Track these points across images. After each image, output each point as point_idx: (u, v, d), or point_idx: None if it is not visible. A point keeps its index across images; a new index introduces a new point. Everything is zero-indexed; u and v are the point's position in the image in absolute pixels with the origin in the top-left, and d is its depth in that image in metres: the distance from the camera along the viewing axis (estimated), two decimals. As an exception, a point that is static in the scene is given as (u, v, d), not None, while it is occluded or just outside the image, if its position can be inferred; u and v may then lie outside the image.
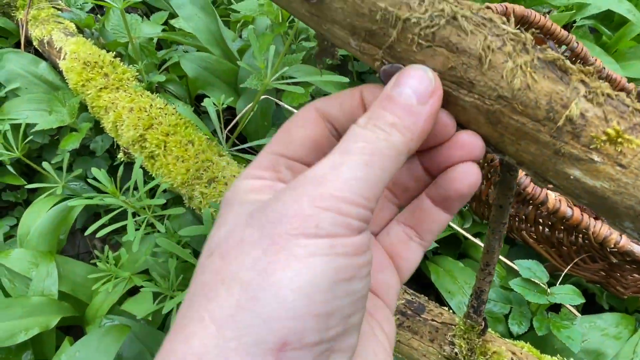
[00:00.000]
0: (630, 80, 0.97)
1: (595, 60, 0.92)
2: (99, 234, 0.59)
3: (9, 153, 0.76)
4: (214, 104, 0.72)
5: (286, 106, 0.79)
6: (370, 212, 0.23)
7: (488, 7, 0.81)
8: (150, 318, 0.61)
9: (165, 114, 0.72)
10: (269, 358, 0.19)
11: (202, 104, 1.01)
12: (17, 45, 1.08)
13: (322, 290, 0.20)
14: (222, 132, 0.73)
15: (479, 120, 0.27)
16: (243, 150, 0.81)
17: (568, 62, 0.26)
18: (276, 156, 0.27)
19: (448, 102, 0.28)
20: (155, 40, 0.94)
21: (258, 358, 0.19)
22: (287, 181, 0.27)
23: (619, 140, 0.25)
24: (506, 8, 0.81)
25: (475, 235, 0.79)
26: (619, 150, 0.25)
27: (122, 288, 0.67)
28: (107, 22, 1.03)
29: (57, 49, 0.91)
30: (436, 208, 0.30)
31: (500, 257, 0.75)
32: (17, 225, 0.90)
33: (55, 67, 0.94)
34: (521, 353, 0.53)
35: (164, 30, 1.01)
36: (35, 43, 0.98)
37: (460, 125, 0.29)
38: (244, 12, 0.81)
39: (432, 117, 0.26)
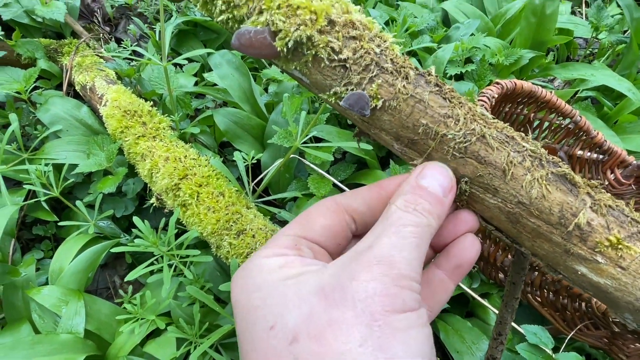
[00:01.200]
0: (630, 152, 1.03)
1: (597, 133, 0.98)
2: (132, 277, 0.63)
3: (48, 192, 0.82)
4: (244, 158, 0.78)
5: (308, 163, 0.85)
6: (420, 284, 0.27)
7: (498, 83, 0.88)
8: (172, 362, 0.64)
9: (199, 165, 0.77)
10: None
11: (225, 150, 1.07)
12: (58, 87, 1.16)
13: (427, 355, 0.24)
14: (249, 184, 0.79)
15: (501, 218, 0.32)
16: (267, 202, 0.86)
17: (577, 177, 0.31)
18: (297, 237, 0.31)
19: (475, 201, 0.33)
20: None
21: None
22: (308, 257, 0.30)
23: (619, 246, 0.30)
24: (515, 84, 0.89)
25: (482, 296, 0.82)
26: (619, 255, 0.30)
27: (146, 330, 0.70)
28: (143, 71, 1.12)
29: (99, 95, 0.98)
30: (445, 279, 0.34)
31: (507, 319, 0.78)
32: (43, 258, 0.94)
33: (94, 111, 1.01)
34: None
35: (196, 82, 1.09)
36: (77, 87, 1.05)
37: (484, 219, 0.35)
38: (274, 75, 0.88)
39: (450, 206, 0.32)
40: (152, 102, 0.96)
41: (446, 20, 1.27)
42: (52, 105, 0.96)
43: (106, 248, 0.78)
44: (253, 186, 0.80)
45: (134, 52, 1.31)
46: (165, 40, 0.85)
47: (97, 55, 1.13)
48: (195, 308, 0.68)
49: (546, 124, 1.03)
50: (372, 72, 0.32)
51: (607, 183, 1.01)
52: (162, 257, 0.69)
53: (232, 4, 0.33)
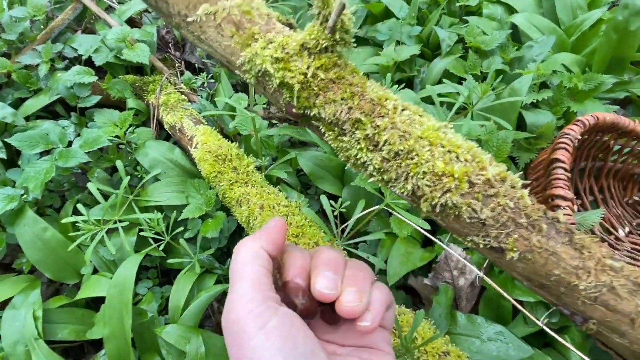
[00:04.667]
0: None
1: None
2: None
3: (161, 237, 0.92)
4: (332, 206, 0.84)
5: (395, 213, 0.90)
6: None
7: (579, 120, 0.89)
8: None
9: (293, 214, 0.85)
10: None
11: (300, 182, 1.14)
12: (145, 122, 1.25)
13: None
14: (337, 227, 0.85)
15: (625, 353, 0.37)
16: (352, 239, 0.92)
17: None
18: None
19: (601, 336, 0.37)
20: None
21: None
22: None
23: None
24: (597, 119, 0.88)
25: (560, 329, 0.86)
26: None
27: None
28: (217, 99, 1.19)
29: (189, 137, 1.07)
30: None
31: None
32: (152, 286, 1.07)
33: (184, 150, 1.10)
34: None
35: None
36: (166, 127, 1.15)
37: (605, 345, 0.39)
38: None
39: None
40: (237, 143, 1.03)
41: (515, 33, 1.24)
42: (149, 148, 1.05)
43: (224, 289, 0.88)
44: (337, 225, 0.86)
45: (208, 80, 1.39)
46: (252, 92, 0.91)
47: (179, 91, 1.21)
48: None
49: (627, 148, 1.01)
50: (509, 228, 0.36)
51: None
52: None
53: (381, 170, 0.38)
